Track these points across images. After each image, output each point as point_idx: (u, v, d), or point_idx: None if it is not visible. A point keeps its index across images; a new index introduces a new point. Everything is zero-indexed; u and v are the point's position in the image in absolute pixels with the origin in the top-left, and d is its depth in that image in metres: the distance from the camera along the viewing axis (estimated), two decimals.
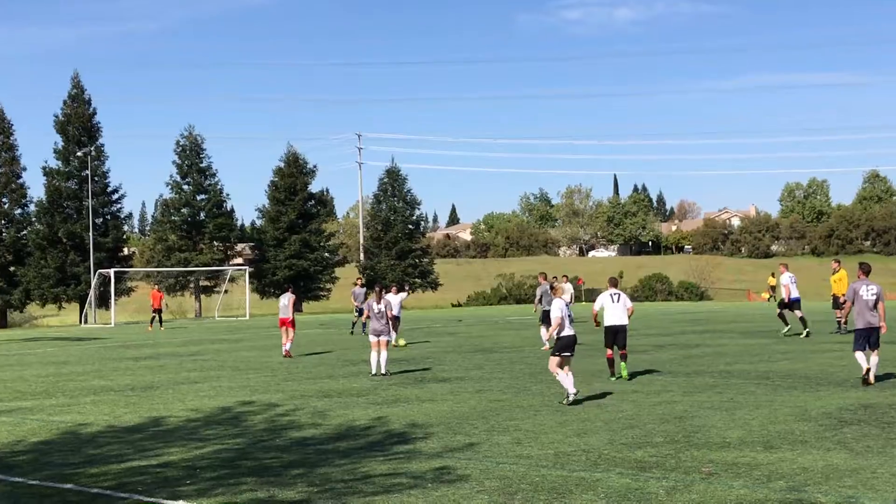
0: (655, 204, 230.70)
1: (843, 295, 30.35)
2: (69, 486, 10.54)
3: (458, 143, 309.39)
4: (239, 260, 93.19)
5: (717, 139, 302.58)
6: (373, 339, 20.97)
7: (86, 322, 61.69)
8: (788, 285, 29.86)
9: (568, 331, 15.93)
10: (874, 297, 16.94)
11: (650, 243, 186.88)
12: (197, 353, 30.24)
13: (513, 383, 18.74)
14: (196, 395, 18.39)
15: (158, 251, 78.05)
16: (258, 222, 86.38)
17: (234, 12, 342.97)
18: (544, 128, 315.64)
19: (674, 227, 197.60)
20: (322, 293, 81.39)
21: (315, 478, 10.44)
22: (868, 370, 16.75)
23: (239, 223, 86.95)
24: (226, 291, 71.65)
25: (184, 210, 77.53)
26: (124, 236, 79.76)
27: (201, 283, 76.84)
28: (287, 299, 27.28)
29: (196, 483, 10.38)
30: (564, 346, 15.86)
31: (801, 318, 29.19)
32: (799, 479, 9.75)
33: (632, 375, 19.18)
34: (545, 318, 26.71)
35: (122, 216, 77.17)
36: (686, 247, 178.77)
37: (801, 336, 27.94)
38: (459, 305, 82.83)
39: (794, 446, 11.45)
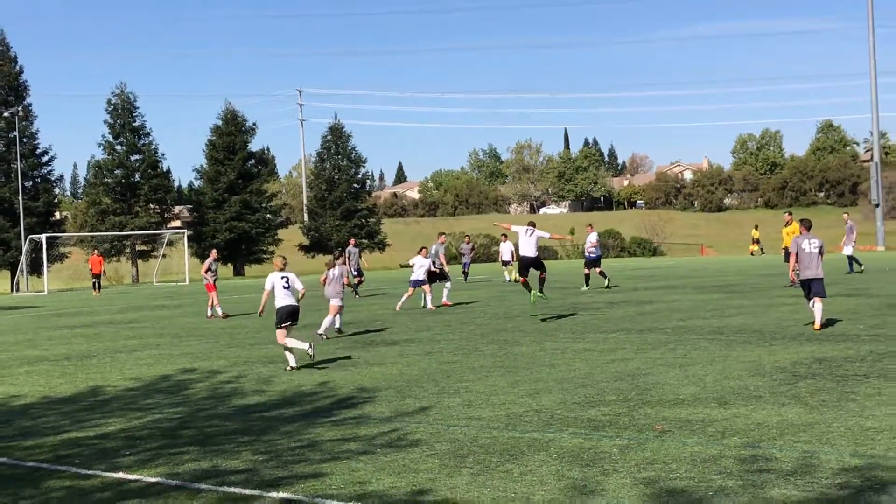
0: (607, 158, 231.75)
1: None
2: (2, 459, 10.44)
3: (404, 98, 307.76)
4: (177, 223, 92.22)
5: (669, 90, 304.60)
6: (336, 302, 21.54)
7: (17, 290, 61.13)
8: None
9: (285, 300, 16.52)
10: (816, 251, 18.40)
11: (602, 199, 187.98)
12: (135, 320, 29.97)
13: (463, 344, 18.80)
14: (135, 364, 18.26)
15: (92, 215, 77.08)
16: (196, 183, 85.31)
17: None
18: (493, 81, 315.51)
19: (626, 182, 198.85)
20: (265, 256, 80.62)
21: (260, 446, 10.43)
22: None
23: (176, 184, 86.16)
24: (164, 256, 71.12)
25: (117, 171, 76.39)
26: (56, 200, 78.85)
27: (138, 248, 76.07)
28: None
29: (136, 454, 10.31)
30: (283, 318, 16.52)
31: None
32: (754, 434, 9.89)
33: (583, 332, 19.36)
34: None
35: (53, 179, 76.34)
36: (638, 201, 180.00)
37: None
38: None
39: (748, 402, 11.61)
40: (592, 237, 34.24)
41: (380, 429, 11.01)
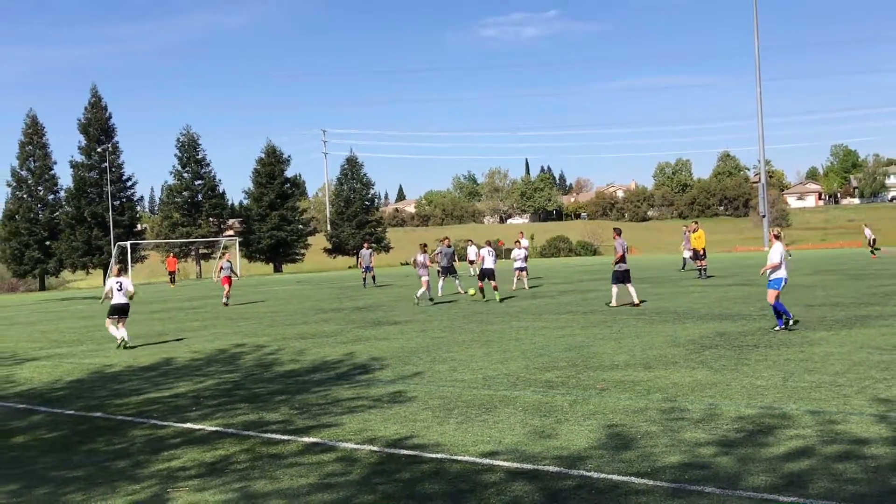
0: (558, 181, 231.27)
1: (703, 249, 30.93)
2: (98, 414, 10.38)
3: (403, 136, 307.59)
4: (230, 232, 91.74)
5: (605, 129, 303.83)
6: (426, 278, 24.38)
7: None
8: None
9: (119, 299, 17.20)
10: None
11: (554, 212, 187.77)
12: (198, 307, 29.87)
13: (449, 324, 18.76)
14: (198, 340, 18.19)
15: (165, 226, 76.69)
16: (245, 201, 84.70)
17: (214, 35, 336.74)
18: (471, 122, 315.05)
19: (572, 199, 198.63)
20: (298, 257, 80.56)
21: (295, 402, 10.38)
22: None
23: (230, 202, 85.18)
24: (220, 257, 70.66)
25: (184, 193, 76.11)
26: (137, 215, 78.34)
27: (200, 251, 75.70)
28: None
29: (200, 410, 10.26)
30: (112, 311, 17.28)
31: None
32: (671, 391, 9.90)
33: (541, 314, 19.35)
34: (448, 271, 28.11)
35: (135, 199, 76.02)
36: (582, 214, 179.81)
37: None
38: (407, 264, 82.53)
39: (667, 367, 11.63)
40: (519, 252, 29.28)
41: (385, 389, 10.98)
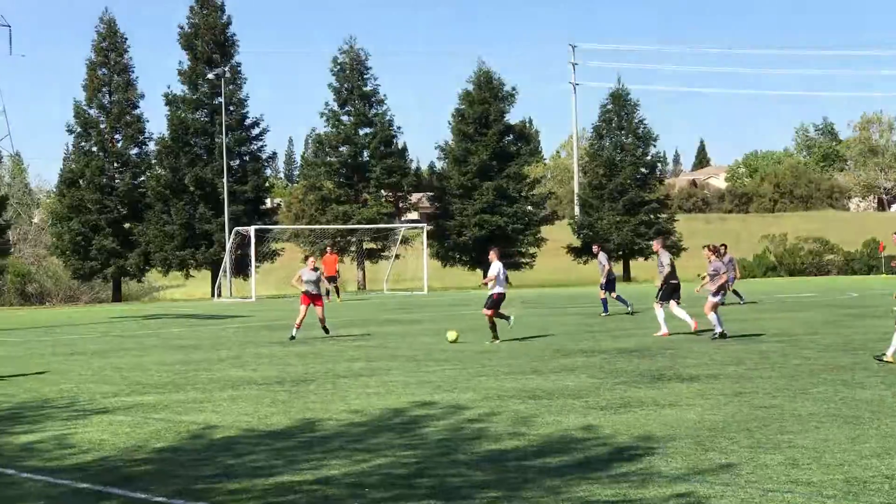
0: None
1: None
2: None
3: (708, 56, 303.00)
4: (413, 215, 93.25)
5: None
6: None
7: (219, 295, 63.17)
8: None
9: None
10: None
11: None
12: (361, 336, 30.82)
13: (786, 384, 18.38)
14: (361, 392, 18.69)
15: (310, 203, 78.54)
16: (438, 164, 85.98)
17: None
18: (827, 34, 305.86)
19: None
20: (523, 261, 79.75)
21: (516, 503, 10.53)
22: None
23: (413, 166, 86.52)
24: (397, 257, 71.71)
25: (342, 149, 77.38)
26: (267, 184, 79.55)
27: (365, 246, 77.09)
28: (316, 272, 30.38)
29: None
30: None
31: None
32: None
33: None
34: None
35: (265, 158, 77.15)
36: None
37: None
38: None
39: None
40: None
41: (671, 490, 10.88)
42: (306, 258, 29.96)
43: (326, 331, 30.02)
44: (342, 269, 75.09)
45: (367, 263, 77.20)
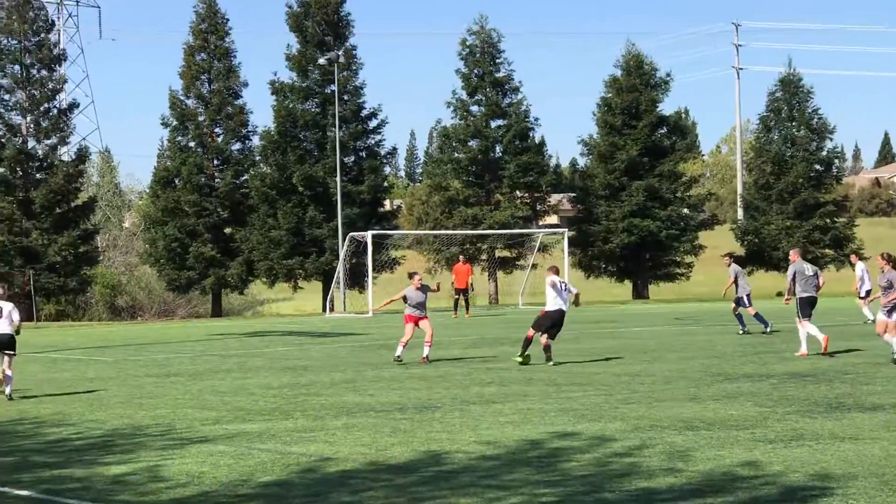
0: None
1: None
2: None
3: (891, 35, 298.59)
4: (553, 219, 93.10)
5: None
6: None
7: (331, 309, 63.50)
8: None
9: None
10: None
11: None
12: (493, 358, 30.71)
13: None
14: (494, 421, 18.50)
15: (435, 205, 78.89)
16: (581, 161, 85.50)
17: None
18: None
19: None
20: (679, 271, 79.85)
21: None
22: None
23: (553, 163, 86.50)
24: (534, 266, 71.26)
25: (472, 143, 77.49)
26: (386, 183, 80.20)
27: (497, 254, 77.42)
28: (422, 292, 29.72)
29: None
30: None
31: None
32: None
33: None
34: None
35: (384, 154, 77.88)
36: None
37: None
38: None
39: None
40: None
41: None
42: (411, 275, 29.25)
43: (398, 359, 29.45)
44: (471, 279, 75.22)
45: (499, 274, 77.69)
